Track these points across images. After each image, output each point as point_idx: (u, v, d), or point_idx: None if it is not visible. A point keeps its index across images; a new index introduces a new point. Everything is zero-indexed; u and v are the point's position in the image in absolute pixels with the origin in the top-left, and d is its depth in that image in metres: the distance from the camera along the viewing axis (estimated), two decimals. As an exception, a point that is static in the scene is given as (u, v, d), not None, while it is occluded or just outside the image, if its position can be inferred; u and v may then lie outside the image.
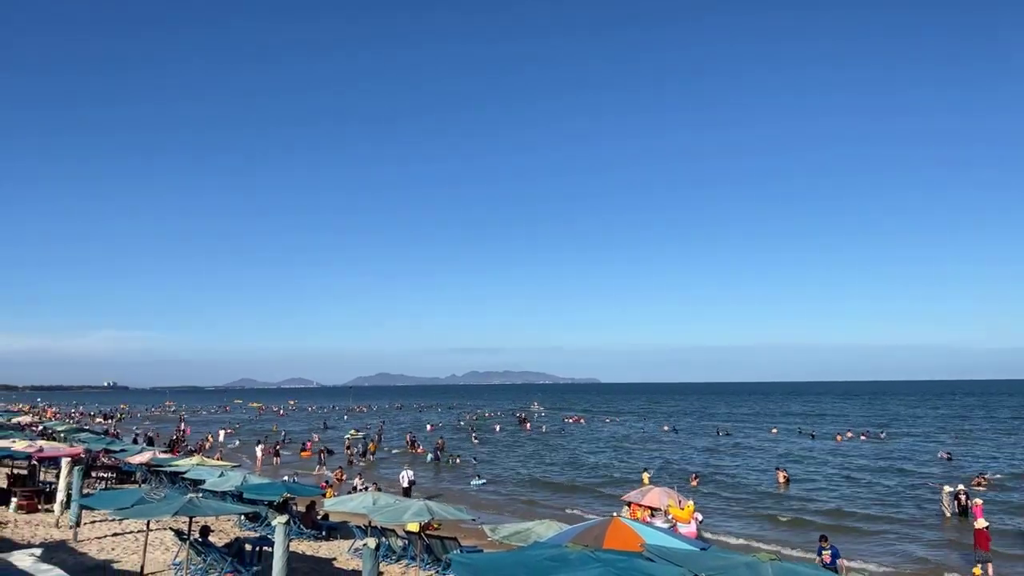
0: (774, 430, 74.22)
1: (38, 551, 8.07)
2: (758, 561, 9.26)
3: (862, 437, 64.22)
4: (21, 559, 7.41)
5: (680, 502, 23.03)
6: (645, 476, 35.31)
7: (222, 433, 66.13)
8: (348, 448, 53.06)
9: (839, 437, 64.14)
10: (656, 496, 23.62)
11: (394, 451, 55.50)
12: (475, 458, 47.97)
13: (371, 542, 9.92)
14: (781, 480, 36.84)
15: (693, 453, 52.44)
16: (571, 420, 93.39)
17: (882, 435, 65.95)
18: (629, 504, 24.27)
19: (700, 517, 22.78)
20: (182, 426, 73.93)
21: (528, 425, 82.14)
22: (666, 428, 77.73)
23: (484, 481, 38.28)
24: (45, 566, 7.30)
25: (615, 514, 15.27)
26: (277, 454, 49.37)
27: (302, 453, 51.77)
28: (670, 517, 21.31)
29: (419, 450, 53.45)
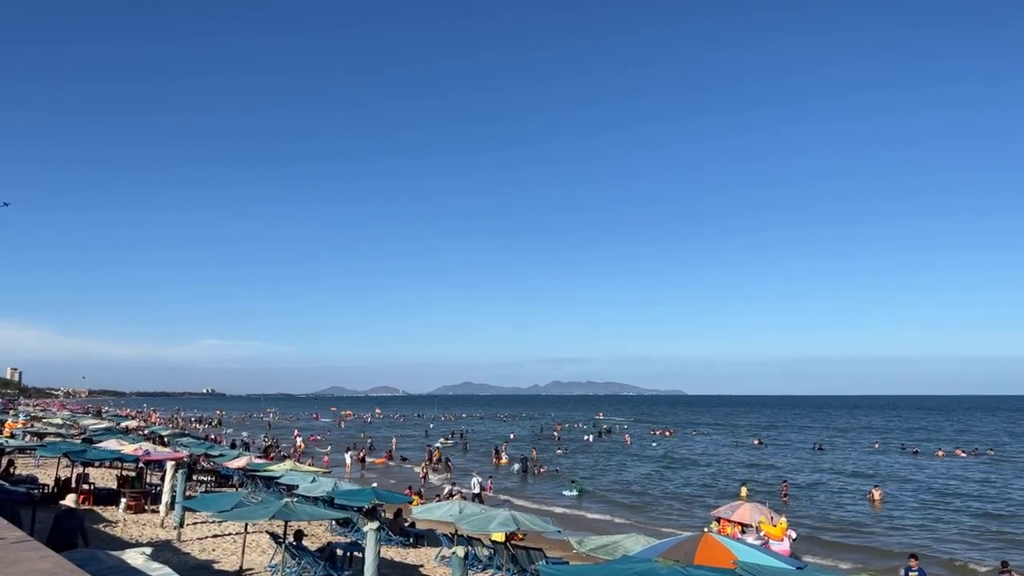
0: (876, 444, 71.11)
1: (148, 550, 8.51)
2: (860, 583, 8.89)
3: (964, 454, 60.79)
4: (134, 557, 7.83)
5: (772, 518, 22.24)
6: (743, 490, 34.41)
7: (299, 440, 67.94)
8: (431, 458, 53.60)
9: (940, 453, 60.91)
10: (747, 512, 22.91)
11: (477, 461, 56.00)
12: (557, 468, 47.81)
13: (460, 550, 10.01)
14: (876, 498, 35.29)
15: (784, 468, 50.68)
16: (657, 433, 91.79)
17: (991, 452, 62.23)
18: (719, 519, 23.64)
19: (794, 535, 21.94)
20: (266, 435, 76.60)
21: (588, 438, 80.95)
22: (756, 442, 75.43)
23: (575, 493, 38.06)
24: (156, 564, 7.68)
25: (706, 529, 14.90)
26: (363, 461, 50.65)
27: (377, 461, 52.81)
28: (762, 534, 20.61)
29: (503, 460, 53.59)
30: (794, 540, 21.81)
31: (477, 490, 33.34)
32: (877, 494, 35.82)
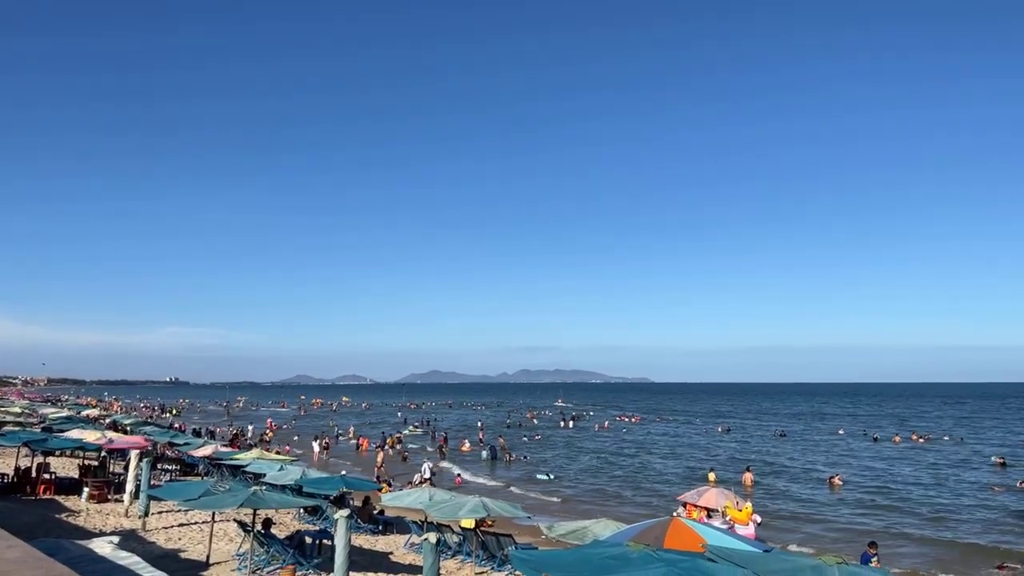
0: (840, 431, 72.66)
1: (115, 539, 8.39)
2: (823, 564, 9.03)
3: (921, 440, 62.38)
4: (101, 546, 7.72)
5: (737, 503, 22.66)
6: (711, 475, 35.02)
7: (250, 429, 66.80)
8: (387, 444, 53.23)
9: (896, 439, 62.48)
10: (713, 497, 23.30)
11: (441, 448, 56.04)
12: (526, 456, 48.05)
13: (432, 537, 10.02)
14: (836, 482, 36.18)
15: (748, 454, 51.53)
16: (624, 419, 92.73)
17: (946, 438, 63.96)
18: (685, 505, 24.00)
19: (759, 519, 22.40)
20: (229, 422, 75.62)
21: (568, 424, 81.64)
22: (720, 429, 76.57)
23: (552, 477, 38.51)
24: (124, 553, 7.58)
25: (674, 514, 15.11)
26: (327, 448, 50.50)
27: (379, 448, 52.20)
28: (728, 519, 20.99)
29: (468, 448, 53.61)
30: (759, 524, 22.26)
31: (428, 475, 33.94)
32: (838, 479, 36.68)
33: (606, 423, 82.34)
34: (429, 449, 52.67)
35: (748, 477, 35.96)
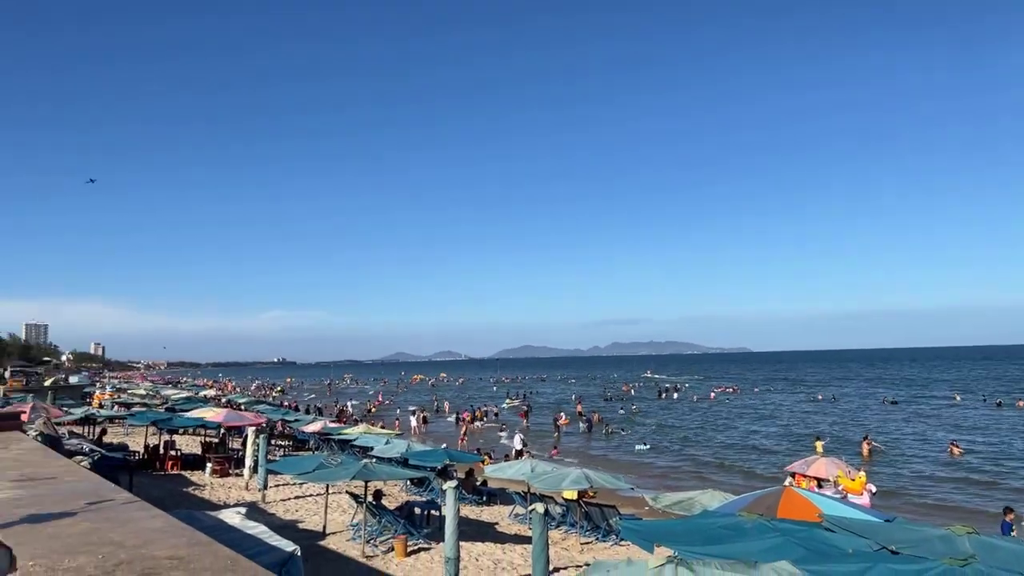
0: (957, 397, 68.79)
1: (243, 510, 8.85)
2: (953, 534, 8.56)
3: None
4: (231, 516, 8.15)
5: (849, 472, 21.84)
6: (818, 444, 33.83)
7: (350, 405, 69.11)
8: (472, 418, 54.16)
9: (1021, 403, 58.59)
10: (823, 466, 22.52)
11: (539, 423, 56.54)
12: (623, 429, 47.80)
13: (539, 507, 10.10)
14: (955, 451, 34.29)
15: (856, 423, 49.60)
16: (719, 390, 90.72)
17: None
18: (793, 475, 23.31)
19: (873, 489, 21.51)
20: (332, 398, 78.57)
21: (665, 396, 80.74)
22: (820, 398, 73.76)
23: (648, 447, 38.38)
24: (251, 522, 7.98)
25: (787, 483, 14.71)
26: (426, 421, 51.84)
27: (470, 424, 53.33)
28: (840, 488, 20.27)
29: (565, 420, 53.79)
30: (873, 494, 21.38)
31: (519, 446, 34.07)
32: (957, 448, 34.80)
33: (711, 394, 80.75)
34: (524, 422, 53.19)
35: (865, 447, 34.63)
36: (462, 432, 42.73)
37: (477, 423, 52.35)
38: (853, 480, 20.81)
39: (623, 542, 17.68)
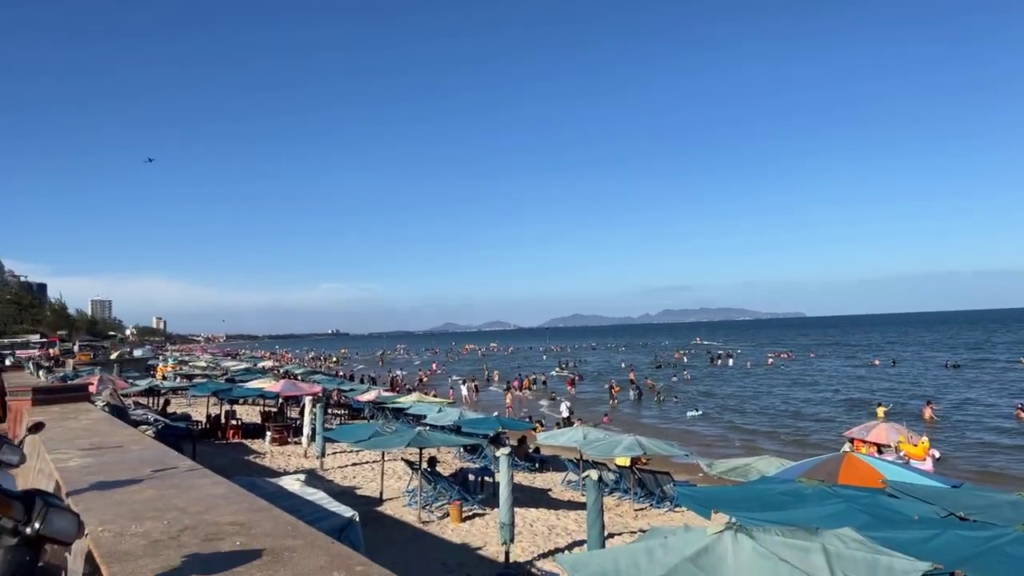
0: (1023, 360, 66.35)
1: (302, 476, 9.03)
2: (1023, 500, 8.29)
3: None
4: (291, 483, 8.33)
5: (911, 438, 21.26)
6: (880, 410, 33.07)
7: (400, 374, 69.67)
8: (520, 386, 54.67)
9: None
10: (883, 432, 21.96)
11: (589, 388, 56.68)
12: (676, 397, 47.40)
13: (593, 474, 10.05)
14: (1022, 417, 33.12)
15: (917, 388, 48.32)
16: (774, 356, 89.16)
17: None
18: (852, 440, 22.81)
19: (937, 454, 20.90)
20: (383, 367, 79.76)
21: (719, 362, 79.92)
22: (877, 362, 71.78)
23: (700, 413, 38.10)
24: (311, 489, 8.14)
25: (847, 449, 14.40)
26: (477, 390, 52.37)
27: (516, 390, 53.75)
28: (902, 454, 19.76)
29: (616, 388, 53.67)
30: (937, 460, 20.80)
31: (566, 414, 34.12)
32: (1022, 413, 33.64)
33: (769, 360, 79.49)
34: (570, 390, 53.20)
35: (928, 411, 33.74)
36: (508, 400, 43.04)
37: (524, 391, 52.71)
38: (915, 446, 20.24)
39: (677, 508, 17.61)
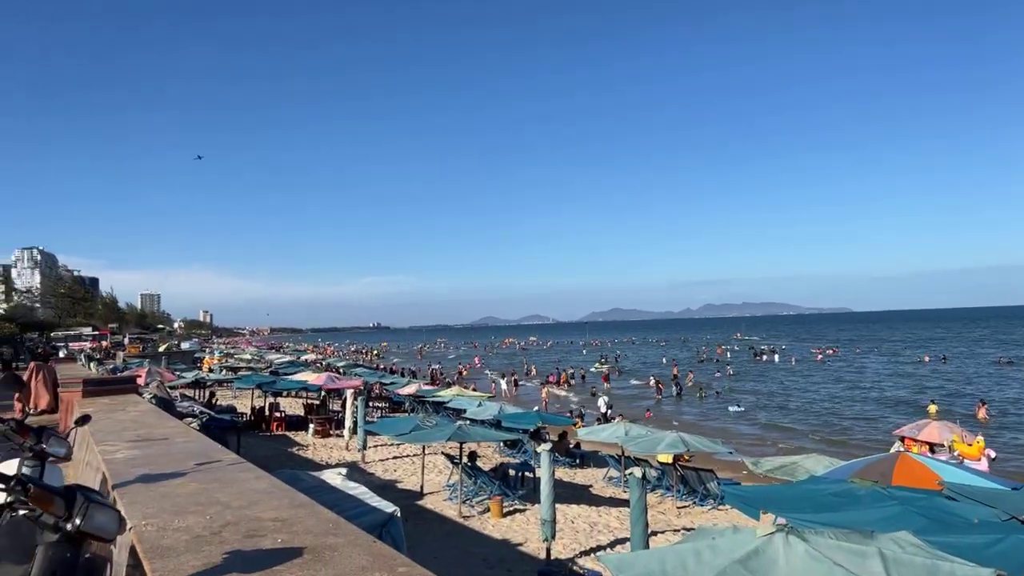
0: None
1: (343, 470, 9.02)
2: (1092, 505, 7.88)
3: None
4: (332, 477, 8.31)
5: (965, 437, 20.58)
6: (932, 408, 32.16)
7: (437, 368, 69.57)
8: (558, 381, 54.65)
9: None
10: (935, 430, 21.30)
11: (632, 381, 56.24)
12: (717, 392, 46.75)
13: (637, 471, 9.88)
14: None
15: (968, 385, 46.88)
16: (820, 352, 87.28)
17: None
18: (903, 439, 22.18)
19: (992, 454, 20.21)
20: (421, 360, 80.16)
21: (764, 358, 78.65)
22: (927, 359, 69.60)
23: (742, 409, 37.51)
24: (352, 483, 8.10)
25: (901, 448, 13.95)
26: (516, 384, 52.31)
27: (553, 384, 53.73)
28: (956, 454, 19.14)
29: (654, 383, 53.15)
30: (992, 460, 20.11)
31: (604, 409, 33.80)
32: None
33: (818, 356, 77.93)
34: (606, 385, 52.81)
35: (982, 411, 32.69)
36: (543, 394, 42.94)
37: (561, 386, 52.61)
38: (970, 445, 19.59)
39: (721, 506, 17.32)
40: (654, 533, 13.99)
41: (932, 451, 20.48)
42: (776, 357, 77.77)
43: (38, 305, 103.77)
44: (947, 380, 50.72)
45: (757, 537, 5.93)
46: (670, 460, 19.69)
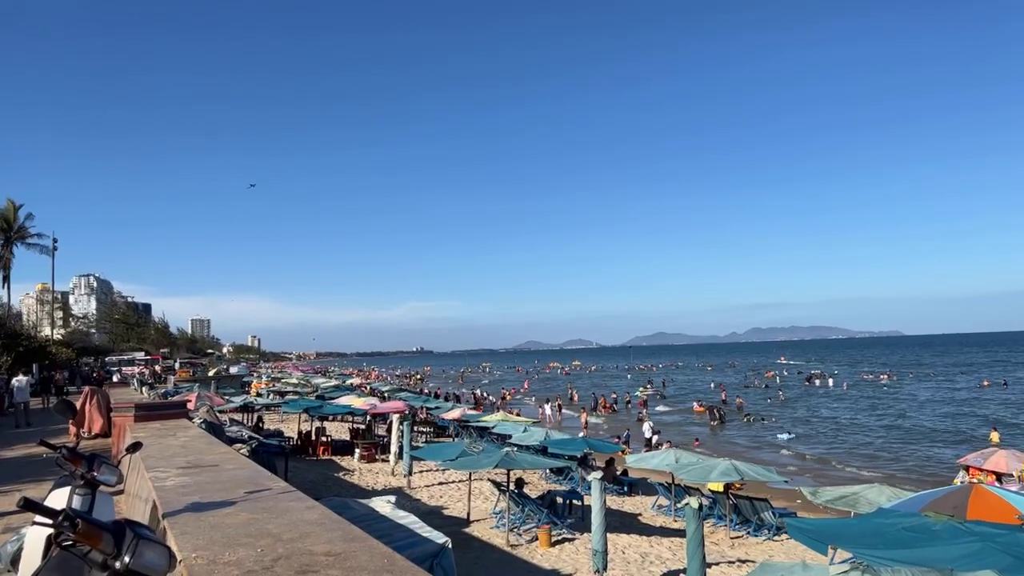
0: None
1: (392, 498, 8.87)
2: None
3: None
4: (381, 505, 8.16)
5: (1034, 467, 19.58)
6: (994, 435, 30.84)
7: (478, 392, 69.03)
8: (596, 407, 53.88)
9: None
10: (1002, 460, 20.30)
11: (678, 407, 55.30)
12: (764, 418, 45.61)
13: (694, 502, 9.54)
14: None
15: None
16: (872, 377, 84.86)
17: None
18: (967, 468, 21.23)
19: (1066, 486, 19.17)
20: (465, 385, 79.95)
21: (817, 382, 76.66)
22: (986, 383, 66.83)
23: (793, 436, 36.48)
24: (402, 512, 7.94)
25: (965, 478, 13.29)
26: (560, 409, 51.76)
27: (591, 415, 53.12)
28: (1026, 484, 18.19)
29: (700, 409, 52.10)
30: (1066, 492, 19.05)
31: (649, 435, 33.19)
32: None
33: (872, 380, 75.80)
34: (659, 409, 51.91)
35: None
36: (583, 420, 42.35)
37: (603, 412, 51.92)
38: (1041, 475, 18.63)
39: (777, 537, 16.71)
40: (708, 565, 13.50)
41: (1000, 481, 19.53)
42: (830, 382, 75.66)
43: (93, 331, 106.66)
44: (1008, 406, 48.70)
45: (831, 575, 5.61)
46: (721, 488, 19.12)
